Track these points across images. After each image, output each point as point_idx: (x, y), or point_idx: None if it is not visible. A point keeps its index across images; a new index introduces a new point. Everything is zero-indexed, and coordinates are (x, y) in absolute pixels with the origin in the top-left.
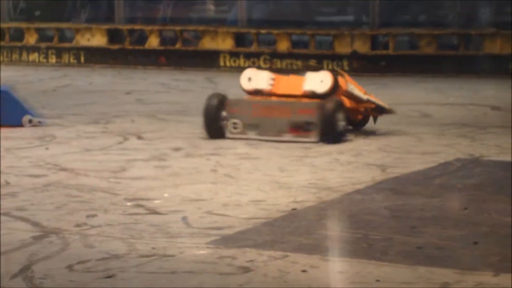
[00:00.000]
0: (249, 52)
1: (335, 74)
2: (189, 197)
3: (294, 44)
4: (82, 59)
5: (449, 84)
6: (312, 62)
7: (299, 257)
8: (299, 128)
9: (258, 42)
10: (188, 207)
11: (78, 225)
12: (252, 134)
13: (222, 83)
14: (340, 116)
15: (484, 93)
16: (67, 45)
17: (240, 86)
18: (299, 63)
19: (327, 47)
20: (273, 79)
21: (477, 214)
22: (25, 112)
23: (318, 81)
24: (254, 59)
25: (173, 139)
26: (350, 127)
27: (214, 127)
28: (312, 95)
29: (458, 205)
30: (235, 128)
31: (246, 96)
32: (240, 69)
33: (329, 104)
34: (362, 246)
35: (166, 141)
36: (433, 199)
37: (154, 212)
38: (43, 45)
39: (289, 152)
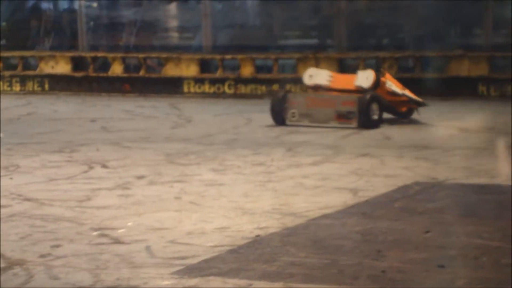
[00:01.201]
0: (214, 78)
1: (377, 73)
2: (153, 225)
3: (259, 68)
4: (46, 86)
5: None
6: (276, 87)
7: (264, 285)
8: (343, 117)
9: (223, 68)
10: (152, 236)
11: (42, 256)
12: (306, 122)
13: (186, 109)
14: (375, 107)
15: (450, 115)
16: (31, 73)
17: (303, 82)
18: (263, 88)
19: (291, 71)
20: (331, 76)
21: (443, 237)
22: None
23: (365, 78)
24: (219, 85)
25: (137, 166)
26: (393, 116)
27: (279, 116)
28: (360, 89)
29: (421, 228)
30: (293, 116)
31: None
32: (205, 95)
33: (365, 98)
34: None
35: (130, 169)
36: (396, 222)
37: (118, 241)
38: (7, 73)
39: (253, 177)
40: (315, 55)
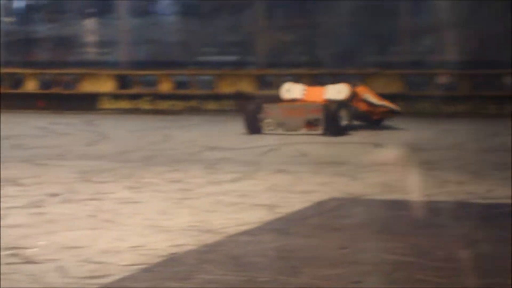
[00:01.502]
0: (131, 93)
1: (352, 85)
2: (67, 244)
3: (177, 84)
4: None
5: None
6: (194, 103)
7: None
8: (311, 124)
9: (141, 84)
10: (65, 255)
11: None
12: (280, 130)
13: (102, 126)
14: (342, 114)
15: (365, 132)
16: None
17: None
18: (181, 104)
19: (209, 87)
20: (304, 89)
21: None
22: None
23: (336, 91)
24: (136, 101)
25: (51, 184)
26: (363, 123)
27: (254, 126)
28: (330, 102)
29: (337, 244)
30: (269, 126)
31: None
32: (122, 111)
33: (331, 106)
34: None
35: (44, 187)
36: (312, 239)
37: (30, 261)
38: None
39: (169, 195)
40: (234, 72)
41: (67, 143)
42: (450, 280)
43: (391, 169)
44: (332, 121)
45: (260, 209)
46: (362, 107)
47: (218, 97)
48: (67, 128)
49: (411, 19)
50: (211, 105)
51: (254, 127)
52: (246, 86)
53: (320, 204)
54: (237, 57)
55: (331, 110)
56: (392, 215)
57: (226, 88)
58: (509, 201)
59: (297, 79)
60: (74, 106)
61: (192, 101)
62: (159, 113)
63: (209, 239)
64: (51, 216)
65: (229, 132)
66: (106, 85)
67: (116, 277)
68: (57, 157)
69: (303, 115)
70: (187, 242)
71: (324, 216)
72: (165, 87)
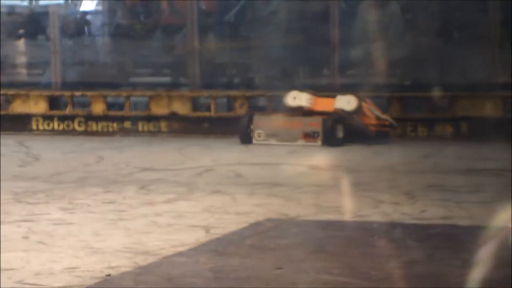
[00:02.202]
0: (63, 115)
1: (359, 98)
2: (0, 266)
3: (110, 106)
4: None
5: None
6: (127, 124)
7: None
8: (309, 136)
9: (73, 105)
10: None
11: None
12: (273, 141)
13: (35, 147)
14: (339, 128)
15: (303, 153)
16: None
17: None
18: (115, 125)
19: (143, 108)
20: (311, 98)
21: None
22: None
23: (346, 102)
24: (68, 122)
25: None
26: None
27: (246, 136)
28: (341, 112)
29: (273, 264)
30: (259, 136)
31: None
32: (54, 132)
33: (329, 120)
34: None
35: None
36: (247, 259)
37: None
38: None
39: (103, 216)
40: (168, 93)
41: None
42: None
43: (326, 190)
44: (329, 133)
45: (195, 230)
46: (367, 120)
47: (151, 118)
48: None
49: (344, 43)
50: (145, 127)
51: (245, 138)
52: (181, 108)
53: (255, 225)
54: (170, 79)
55: (329, 123)
56: (327, 236)
57: (159, 109)
58: (442, 221)
59: (232, 100)
60: (5, 127)
61: (125, 122)
62: (92, 135)
63: (145, 260)
64: None
65: (162, 153)
66: (38, 106)
67: None
68: None
69: (300, 127)
70: (123, 263)
71: (260, 236)
72: (98, 108)
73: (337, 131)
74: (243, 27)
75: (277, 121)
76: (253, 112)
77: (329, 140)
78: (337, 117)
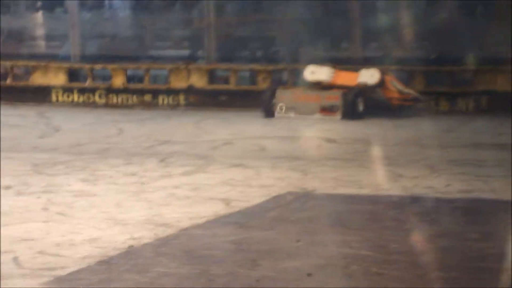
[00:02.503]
0: (83, 87)
1: (382, 71)
2: (20, 236)
3: (130, 78)
4: None
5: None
6: (148, 97)
7: None
8: (327, 110)
9: (93, 77)
10: (19, 247)
11: None
12: (292, 114)
13: (55, 119)
14: (360, 102)
15: (321, 126)
16: None
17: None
18: (135, 98)
19: (162, 82)
20: (333, 72)
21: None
22: None
23: (369, 75)
24: (88, 94)
25: (3, 177)
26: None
27: (269, 110)
28: (364, 85)
29: (292, 237)
30: (281, 109)
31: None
32: (74, 104)
33: (350, 94)
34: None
35: None
36: (269, 232)
37: None
38: None
39: (125, 188)
40: (187, 66)
41: (19, 135)
42: (405, 274)
43: (344, 164)
44: (351, 107)
45: (215, 203)
46: (389, 93)
47: (171, 92)
48: (19, 120)
49: (365, 16)
50: (165, 100)
51: (268, 111)
52: (198, 81)
53: (276, 198)
54: (189, 52)
55: (349, 96)
56: (348, 210)
57: (179, 82)
58: (465, 195)
59: (252, 74)
60: (26, 98)
61: (145, 95)
62: (112, 107)
63: (164, 232)
64: (4, 208)
65: (182, 126)
66: (57, 78)
67: (72, 269)
68: (9, 149)
69: (317, 101)
70: (144, 235)
71: (281, 209)
72: (118, 81)
73: (358, 105)
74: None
75: (297, 94)
76: (276, 86)
77: (349, 113)
78: (359, 91)
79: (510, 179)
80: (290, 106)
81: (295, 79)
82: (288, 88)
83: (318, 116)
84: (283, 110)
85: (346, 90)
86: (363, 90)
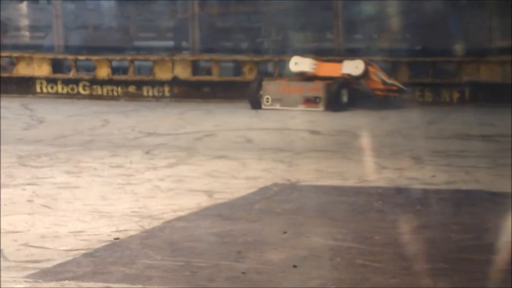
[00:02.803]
0: (67, 78)
1: (366, 62)
2: (5, 228)
3: (114, 70)
4: None
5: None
6: (132, 88)
7: None
8: (310, 101)
9: (77, 68)
10: (4, 239)
11: None
12: (277, 106)
13: (39, 110)
14: (343, 93)
15: (304, 117)
16: None
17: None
18: (119, 89)
19: (147, 73)
20: (315, 64)
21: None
22: None
23: (354, 66)
24: (72, 85)
25: None
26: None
27: (256, 101)
28: (348, 76)
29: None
30: (267, 101)
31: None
32: (58, 96)
33: (334, 85)
34: (185, 274)
35: None
36: (255, 223)
37: None
38: None
39: (110, 180)
40: (171, 57)
41: (2, 127)
42: (390, 265)
43: (329, 155)
44: (332, 99)
45: (198, 195)
46: (374, 84)
47: (156, 83)
48: (2, 112)
49: (349, 7)
50: (150, 91)
51: (255, 102)
52: (182, 72)
53: (262, 189)
54: (173, 43)
55: (333, 88)
56: (333, 201)
57: (163, 74)
58: (450, 186)
59: (237, 65)
60: (9, 89)
61: (130, 87)
62: (97, 99)
63: (149, 224)
64: None
65: (166, 117)
66: (41, 69)
67: (57, 261)
68: None
69: (301, 92)
70: (130, 227)
71: (267, 201)
72: (103, 72)
73: (341, 96)
74: None
75: (282, 86)
76: (262, 77)
77: (332, 105)
78: (342, 82)
79: (494, 170)
80: (276, 97)
81: (280, 71)
82: (274, 80)
83: (302, 107)
84: (269, 102)
85: (330, 81)
86: (347, 81)
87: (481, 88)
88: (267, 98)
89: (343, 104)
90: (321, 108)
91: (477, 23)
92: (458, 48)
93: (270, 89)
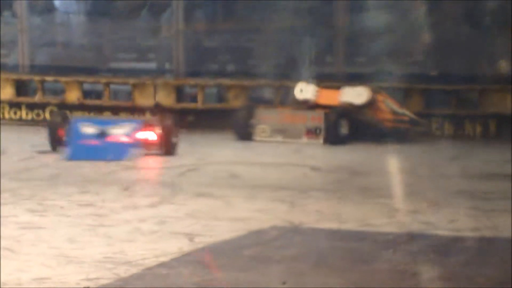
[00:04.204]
0: (32, 102)
1: (372, 89)
2: None
3: (86, 94)
4: None
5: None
6: (107, 115)
7: None
8: (312, 132)
9: (44, 91)
10: None
11: None
12: (279, 137)
13: (1, 139)
14: (343, 124)
15: (306, 152)
16: None
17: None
18: (93, 115)
19: (125, 98)
20: (316, 91)
21: None
22: None
23: (356, 94)
24: (38, 111)
25: None
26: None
27: (244, 132)
28: (348, 105)
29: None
30: (263, 132)
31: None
32: (22, 122)
33: (332, 114)
34: None
35: None
36: (247, 273)
37: None
38: None
39: (79, 220)
40: (153, 81)
41: None
42: None
43: (323, 195)
44: (333, 130)
45: (180, 238)
46: (381, 114)
47: (135, 110)
48: None
49: (354, 26)
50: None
51: (243, 134)
52: (165, 98)
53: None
54: (155, 64)
55: (331, 117)
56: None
57: (143, 99)
58: (473, 233)
59: (224, 90)
60: None
61: (105, 113)
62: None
63: (126, 272)
64: None
65: None
66: (4, 92)
67: None
68: None
69: (303, 122)
70: (102, 275)
71: (260, 246)
72: (73, 96)
73: (341, 127)
74: (238, 5)
75: (284, 115)
76: (254, 104)
77: (331, 137)
78: (341, 112)
79: None
80: (277, 128)
81: (281, 98)
82: (272, 108)
83: (304, 139)
84: (266, 133)
85: (329, 110)
86: (347, 111)
87: (507, 120)
88: (263, 129)
89: (343, 136)
90: (320, 140)
91: (504, 46)
92: (481, 74)
93: (267, 118)
